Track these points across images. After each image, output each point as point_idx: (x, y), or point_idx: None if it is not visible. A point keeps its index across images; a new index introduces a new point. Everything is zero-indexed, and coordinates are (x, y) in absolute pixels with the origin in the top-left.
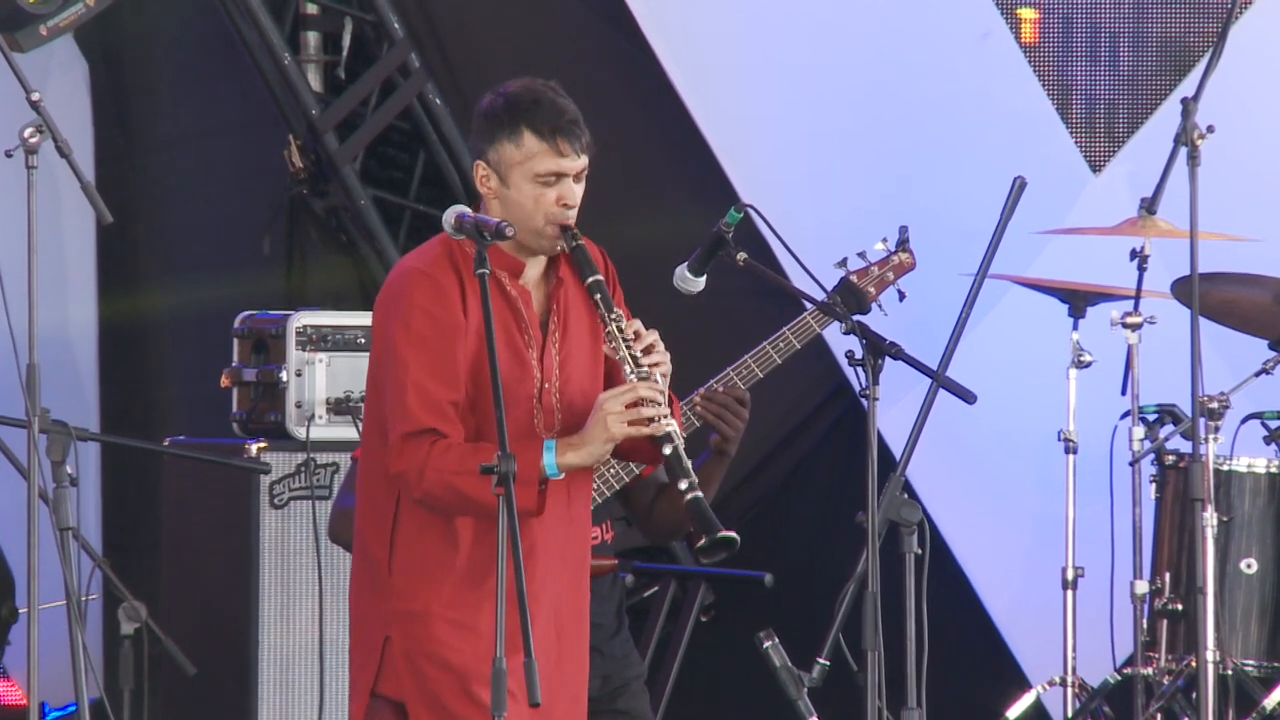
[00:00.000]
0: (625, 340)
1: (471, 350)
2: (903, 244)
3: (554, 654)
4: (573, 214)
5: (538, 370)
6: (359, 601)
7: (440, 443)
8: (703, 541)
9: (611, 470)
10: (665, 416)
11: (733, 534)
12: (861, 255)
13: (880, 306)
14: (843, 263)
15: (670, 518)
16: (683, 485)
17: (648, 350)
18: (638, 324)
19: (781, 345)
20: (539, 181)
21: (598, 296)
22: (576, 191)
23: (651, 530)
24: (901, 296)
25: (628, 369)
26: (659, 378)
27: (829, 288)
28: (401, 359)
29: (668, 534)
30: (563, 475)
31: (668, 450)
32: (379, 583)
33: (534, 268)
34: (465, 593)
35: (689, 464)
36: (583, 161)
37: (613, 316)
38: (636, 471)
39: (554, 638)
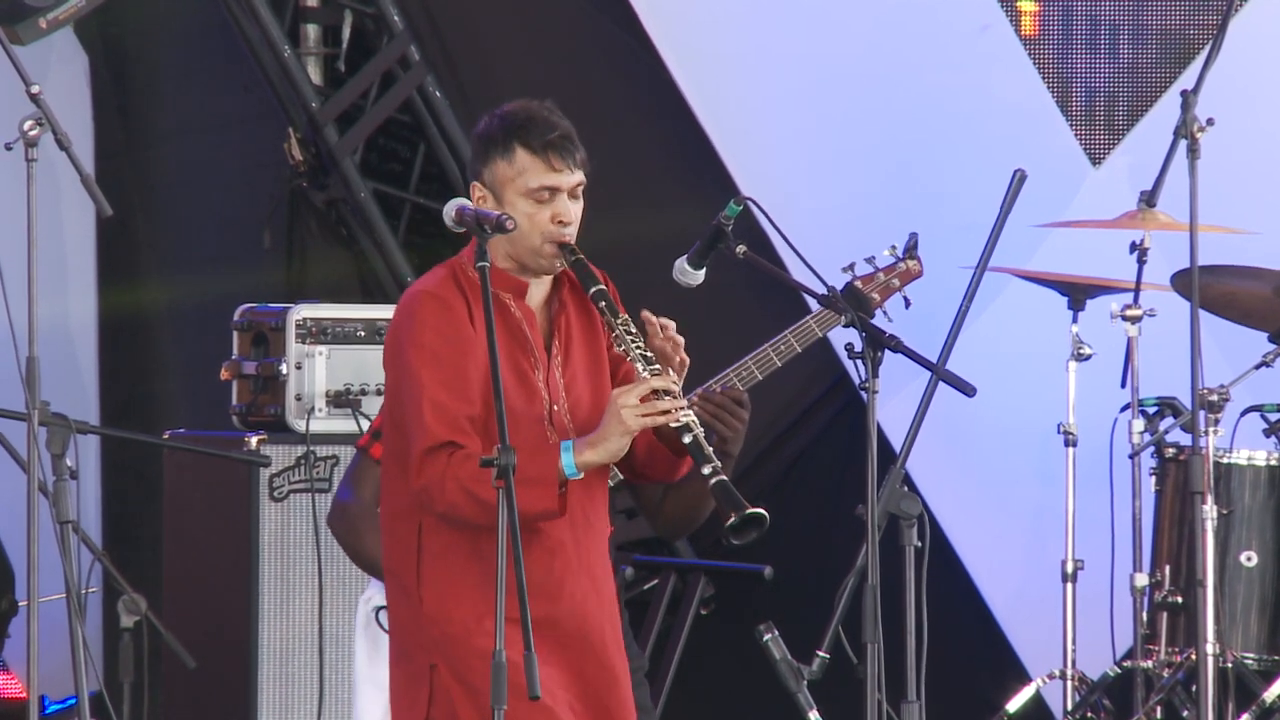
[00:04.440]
0: (633, 340)
1: (483, 368)
2: (910, 251)
3: (620, 674)
4: (571, 231)
5: (545, 392)
6: (398, 634)
7: (458, 453)
8: (732, 519)
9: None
10: (681, 407)
11: (761, 510)
12: (869, 261)
13: (885, 313)
14: (850, 267)
15: (680, 513)
16: (706, 470)
17: (667, 338)
18: (647, 314)
19: (783, 348)
20: (533, 198)
21: (602, 304)
22: (573, 208)
23: (662, 525)
24: (907, 304)
25: (640, 367)
26: (670, 372)
27: (828, 280)
28: (416, 377)
29: (678, 529)
30: (582, 475)
31: (687, 439)
32: (414, 612)
33: (537, 290)
34: (495, 590)
35: (710, 450)
36: (577, 177)
37: (619, 321)
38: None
39: (618, 657)
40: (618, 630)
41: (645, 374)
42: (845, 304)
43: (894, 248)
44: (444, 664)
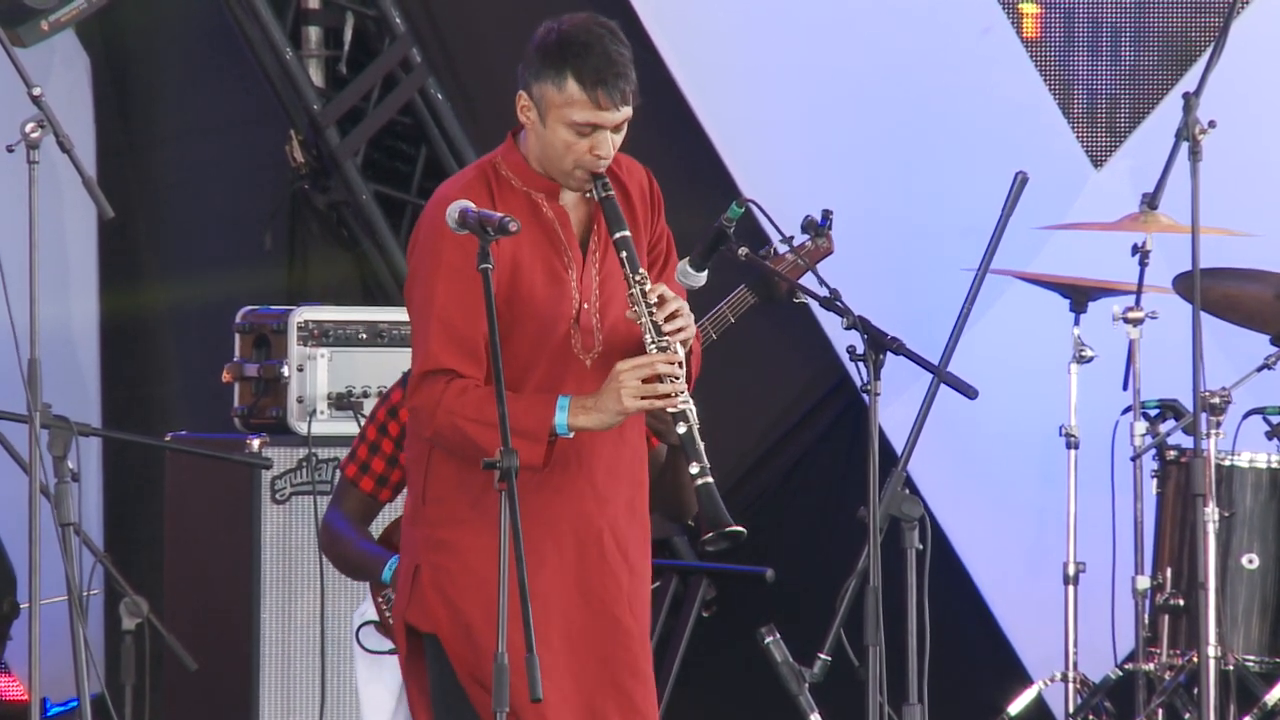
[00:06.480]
0: (648, 306)
1: (505, 275)
2: (820, 229)
3: (626, 582)
4: (605, 163)
5: (575, 291)
6: (405, 527)
7: (456, 383)
8: (709, 534)
9: None
10: (681, 393)
11: (740, 528)
12: (786, 241)
13: (799, 294)
14: (768, 250)
15: (677, 494)
16: (694, 469)
17: (671, 317)
18: (663, 288)
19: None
20: (574, 130)
21: (623, 255)
22: (613, 142)
23: (661, 504)
24: (821, 282)
25: (648, 338)
26: (678, 348)
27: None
28: (428, 291)
29: (682, 508)
30: (572, 435)
31: (681, 430)
32: (415, 510)
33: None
34: (496, 521)
35: (702, 446)
36: (624, 113)
37: (637, 278)
38: None
39: (623, 564)
40: (647, 545)
41: (652, 349)
42: (847, 306)
43: (806, 225)
44: (426, 567)
